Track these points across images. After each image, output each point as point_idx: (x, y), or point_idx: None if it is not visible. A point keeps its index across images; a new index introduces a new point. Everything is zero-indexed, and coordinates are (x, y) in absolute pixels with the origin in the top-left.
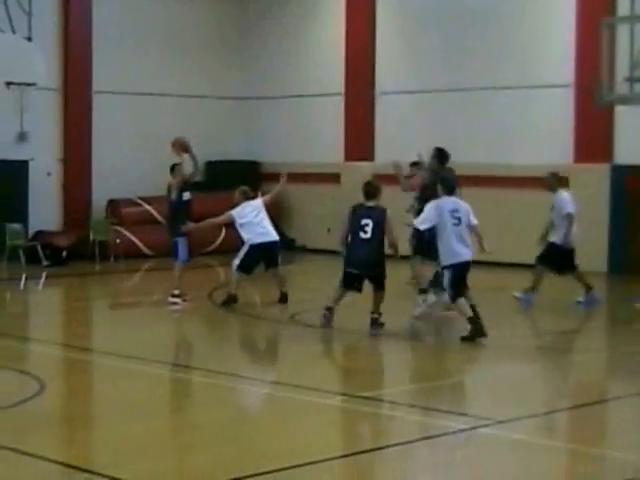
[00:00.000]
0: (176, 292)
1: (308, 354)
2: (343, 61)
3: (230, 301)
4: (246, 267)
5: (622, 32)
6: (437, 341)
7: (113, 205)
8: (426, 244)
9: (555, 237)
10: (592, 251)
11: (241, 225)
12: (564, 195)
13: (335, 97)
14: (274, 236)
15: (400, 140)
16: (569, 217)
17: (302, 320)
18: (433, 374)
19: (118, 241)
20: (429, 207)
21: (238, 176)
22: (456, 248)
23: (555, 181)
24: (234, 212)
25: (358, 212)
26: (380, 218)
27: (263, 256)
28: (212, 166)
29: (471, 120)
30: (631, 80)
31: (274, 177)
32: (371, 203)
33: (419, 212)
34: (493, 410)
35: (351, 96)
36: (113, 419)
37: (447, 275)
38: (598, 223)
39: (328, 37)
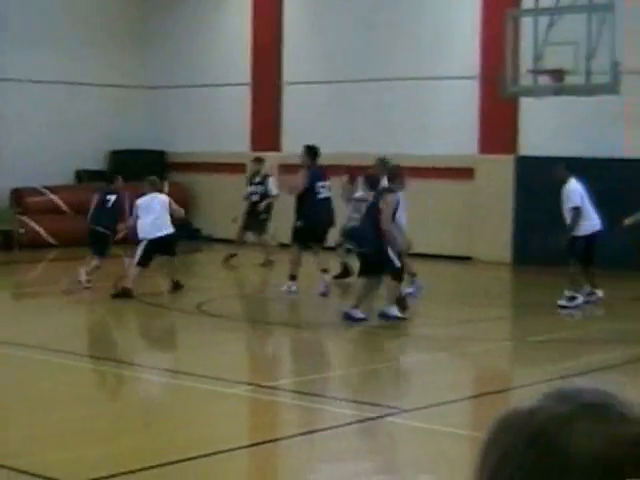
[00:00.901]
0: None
1: (214, 343)
2: (250, 50)
3: (125, 295)
4: (144, 262)
5: (526, 24)
6: (345, 329)
7: (17, 194)
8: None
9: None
10: (496, 242)
11: (138, 217)
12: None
13: (242, 87)
14: (169, 229)
15: (308, 131)
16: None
17: (208, 310)
18: (340, 363)
19: (22, 230)
20: None
21: (144, 166)
22: None
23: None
24: (140, 201)
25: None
26: None
27: (160, 249)
28: (117, 156)
29: (378, 111)
30: (535, 72)
31: (180, 166)
32: None
33: None
34: (399, 399)
35: (258, 86)
36: (15, 409)
37: None
38: (502, 214)
39: (235, 25)
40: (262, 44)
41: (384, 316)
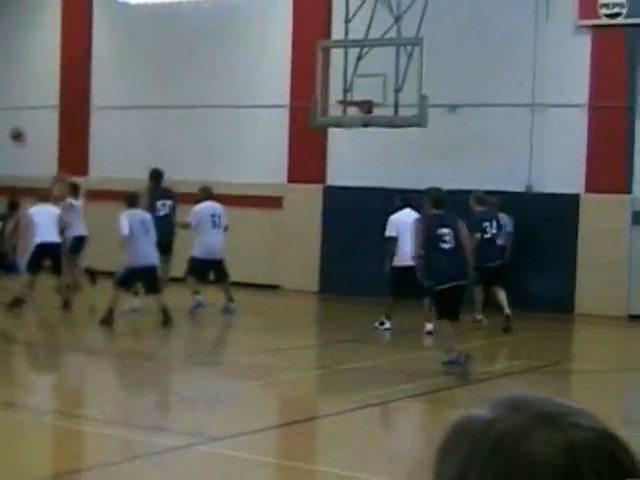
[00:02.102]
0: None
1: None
2: (58, 73)
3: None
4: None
5: (336, 55)
6: (159, 358)
7: None
8: None
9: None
10: (304, 270)
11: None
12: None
13: (49, 109)
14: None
15: (115, 156)
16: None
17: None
18: (147, 390)
19: None
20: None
21: None
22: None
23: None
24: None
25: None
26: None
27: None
28: None
29: (187, 138)
30: (344, 103)
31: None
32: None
33: None
34: (207, 427)
35: (66, 109)
36: None
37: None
38: (310, 243)
39: (44, 48)
40: (70, 68)
41: None
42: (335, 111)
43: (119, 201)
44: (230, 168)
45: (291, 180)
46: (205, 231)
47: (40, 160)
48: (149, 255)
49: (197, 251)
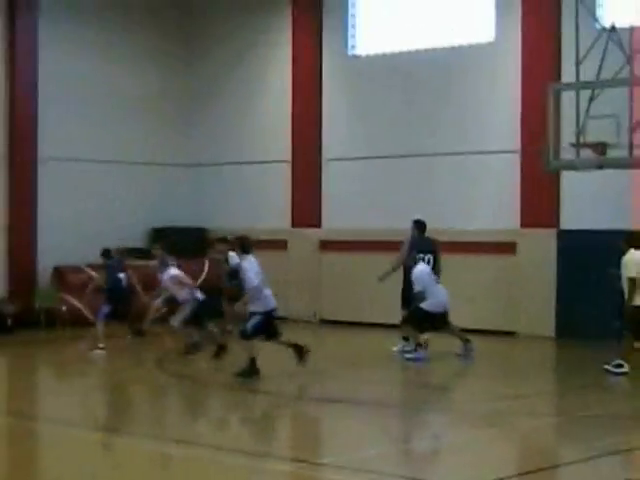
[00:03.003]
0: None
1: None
2: (290, 127)
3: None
4: None
5: (567, 97)
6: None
7: (59, 272)
8: None
9: None
10: (540, 316)
11: None
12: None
13: (282, 164)
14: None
15: (347, 207)
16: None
17: None
18: (379, 438)
19: (64, 308)
20: None
21: (183, 243)
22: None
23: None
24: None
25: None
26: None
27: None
28: (156, 233)
29: (417, 186)
30: (577, 146)
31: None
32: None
33: None
34: (446, 475)
35: (298, 162)
36: None
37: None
38: (546, 288)
39: (275, 103)
40: (302, 121)
41: None
42: (567, 154)
43: (352, 251)
44: (458, 214)
45: (524, 225)
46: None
47: (274, 213)
48: None
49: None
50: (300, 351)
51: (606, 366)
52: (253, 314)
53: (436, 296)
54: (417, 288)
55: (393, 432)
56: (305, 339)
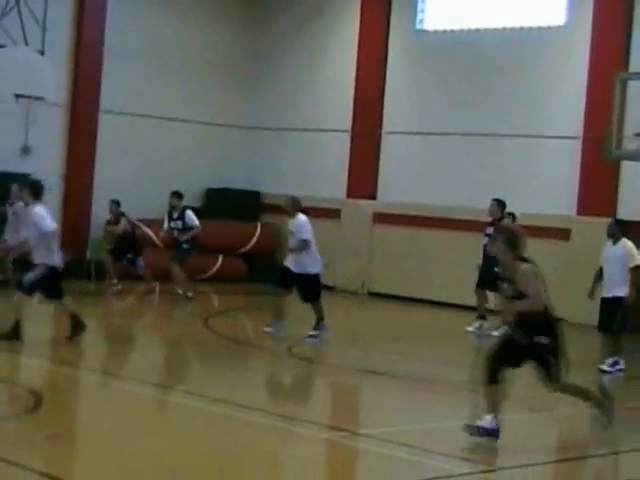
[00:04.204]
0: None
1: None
2: (352, 98)
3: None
4: None
5: (633, 87)
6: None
7: None
8: None
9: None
10: (589, 305)
11: None
12: (301, 220)
13: (341, 133)
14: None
15: (403, 181)
16: (305, 243)
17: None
18: (437, 413)
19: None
20: None
21: (237, 205)
22: None
23: (293, 205)
24: None
25: None
26: None
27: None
28: (212, 194)
29: (476, 166)
30: None
31: (273, 208)
32: None
33: None
34: (498, 457)
35: (357, 133)
36: (101, 436)
37: None
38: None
39: (339, 73)
40: (364, 93)
41: None
42: (629, 143)
43: (405, 225)
44: (517, 197)
45: (580, 212)
46: None
47: (330, 182)
48: None
49: None
50: (77, 325)
51: None
52: None
53: None
54: None
55: (437, 409)
56: (351, 309)
